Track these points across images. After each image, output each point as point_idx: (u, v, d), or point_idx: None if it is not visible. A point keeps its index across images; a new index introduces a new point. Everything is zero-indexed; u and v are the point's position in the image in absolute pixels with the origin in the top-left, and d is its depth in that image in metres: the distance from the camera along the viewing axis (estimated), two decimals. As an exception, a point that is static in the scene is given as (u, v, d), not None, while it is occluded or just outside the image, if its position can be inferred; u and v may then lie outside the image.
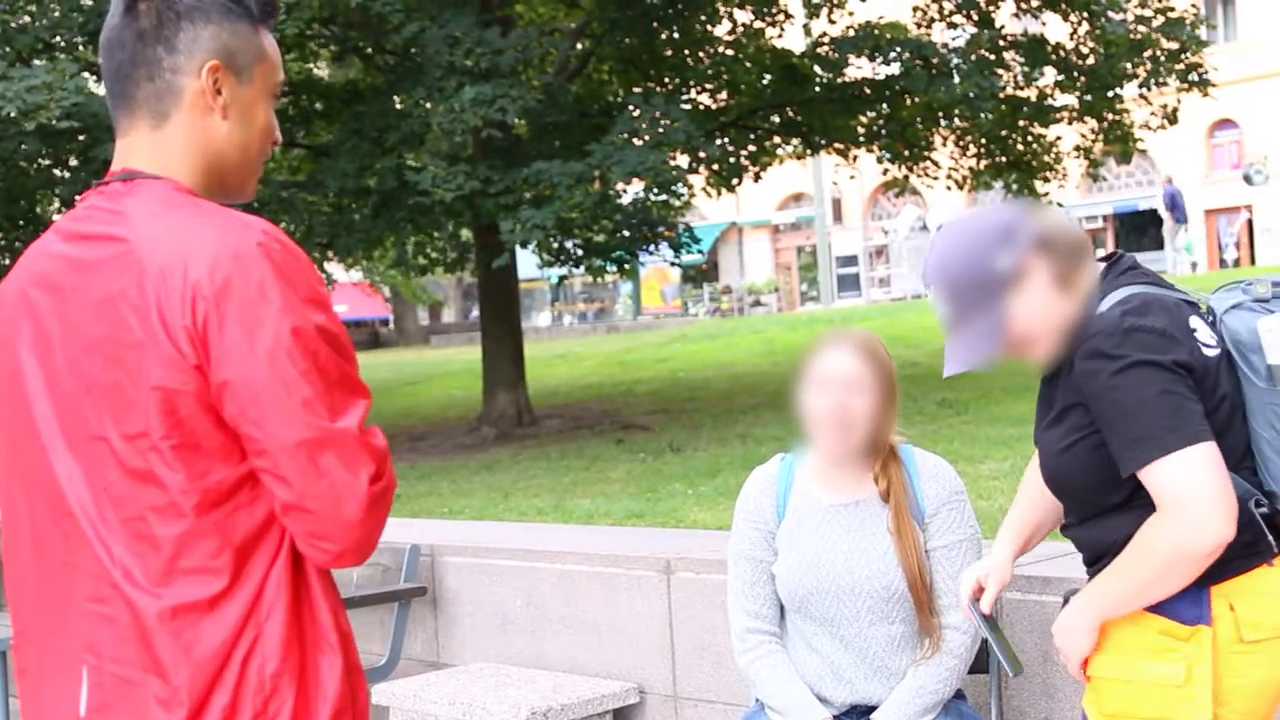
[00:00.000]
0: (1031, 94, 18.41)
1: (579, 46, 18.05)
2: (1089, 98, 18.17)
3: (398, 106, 16.47)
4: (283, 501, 2.13)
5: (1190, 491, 2.73)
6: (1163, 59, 17.64)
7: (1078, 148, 19.73)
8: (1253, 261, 44.06)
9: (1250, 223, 46.16)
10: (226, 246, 2.12)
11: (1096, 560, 3.02)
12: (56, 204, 18.10)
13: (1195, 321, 2.91)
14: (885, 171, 20.90)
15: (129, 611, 2.16)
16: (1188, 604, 2.85)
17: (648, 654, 5.35)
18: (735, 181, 19.72)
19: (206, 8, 2.29)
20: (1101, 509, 2.96)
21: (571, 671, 5.58)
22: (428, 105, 15.14)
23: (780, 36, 19.37)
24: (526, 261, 17.00)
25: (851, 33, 17.60)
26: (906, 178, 20.45)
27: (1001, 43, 17.73)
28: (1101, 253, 3.08)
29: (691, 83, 18.76)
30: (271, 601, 2.16)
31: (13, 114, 13.23)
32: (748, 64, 18.98)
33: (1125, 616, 2.94)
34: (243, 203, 2.39)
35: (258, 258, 2.12)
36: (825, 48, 17.84)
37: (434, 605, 6.16)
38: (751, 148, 19.68)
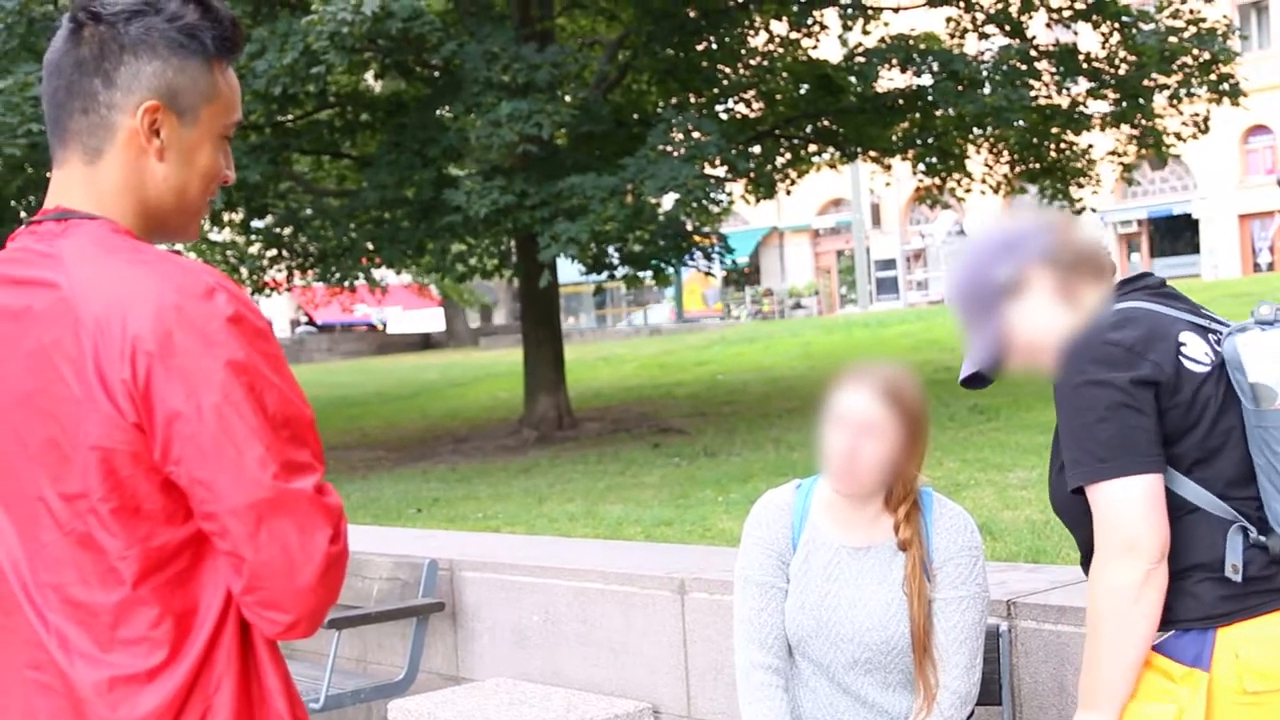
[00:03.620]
0: (1064, 102, 18.41)
1: (619, 58, 18.16)
2: (1122, 105, 18.17)
3: (439, 119, 16.65)
4: (232, 567, 1.98)
5: (1117, 527, 2.69)
6: (1194, 69, 17.62)
7: (1111, 153, 19.74)
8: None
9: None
10: (169, 297, 1.96)
11: None
12: None
13: (1188, 337, 2.78)
14: (920, 183, 20.95)
15: (63, 682, 2.02)
16: (1188, 642, 2.74)
17: (662, 674, 5.39)
18: (773, 189, 19.83)
19: (154, 41, 2.09)
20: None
21: (587, 689, 5.63)
22: (468, 118, 15.27)
23: (816, 47, 19.46)
24: (570, 267, 17.14)
25: (884, 44, 17.65)
26: (940, 188, 20.49)
27: (1034, 53, 17.78)
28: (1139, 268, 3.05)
29: (728, 93, 18.85)
30: (220, 674, 2.03)
31: None
32: (784, 75, 19.07)
33: None
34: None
35: (203, 309, 1.96)
36: (859, 59, 17.90)
37: (453, 620, 6.24)
38: (786, 156, 19.82)
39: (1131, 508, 2.68)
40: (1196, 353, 2.77)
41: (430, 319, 58.12)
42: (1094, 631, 2.76)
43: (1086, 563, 2.99)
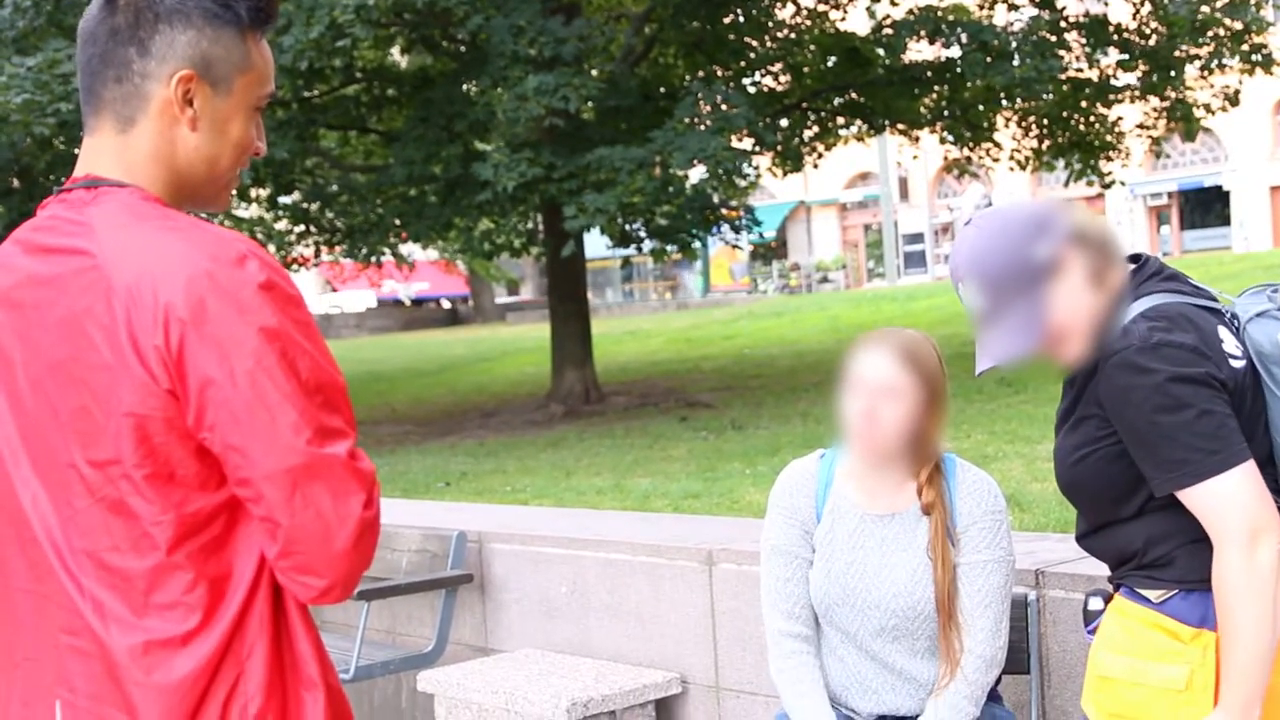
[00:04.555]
0: (1093, 74, 18.33)
1: (645, 31, 18.12)
2: (1152, 78, 18.08)
3: (466, 94, 16.67)
4: (267, 532, 1.99)
5: (1241, 514, 2.69)
6: (1225, 39, 17.53)
7: (1141, 126, 19.64)
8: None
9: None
10: (201, 264, 1.96)
11: (1121, 565, 2.96)
12: None
13: (1222, 332, 2.82)
14: (947, 154, 20.89)
15: (99, 647, 2.04)
16: (1193, 605, 2.80)
17: (690, 644, 5.41)
18: (800, 163, 19.79)
19: (189, 11, 2.10)
20: (1113, 519, 2.92)
21: (616, 660, 5.65)
22: (495, 93, 15.29)
23: (843, 19, 19.38)
24: (597, 242, 17.14)
25: (912, 15, 17.58)
26: (968, 159, 20.41)
27: (1063, 24, 17.68)
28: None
29: (755, 66, 18.81)
30: (253, 639, 2.04)
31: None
32: (811, 47, 19.01)
33: (1135, 615, 2.89)
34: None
35: (234, 275, 1.97)
36: (886, 30, 17.85)
37: (482, 591, 6.26)
38: (814, 129, 19.78)
39: (1249, 494, 2.71)
40: (1231, 347, 2.81)
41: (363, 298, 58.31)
42: (1235, 623, 2.72)
43: (1087, 536, 3.06)
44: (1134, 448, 2.79)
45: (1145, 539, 2.87)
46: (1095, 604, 3.11)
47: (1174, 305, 2.82)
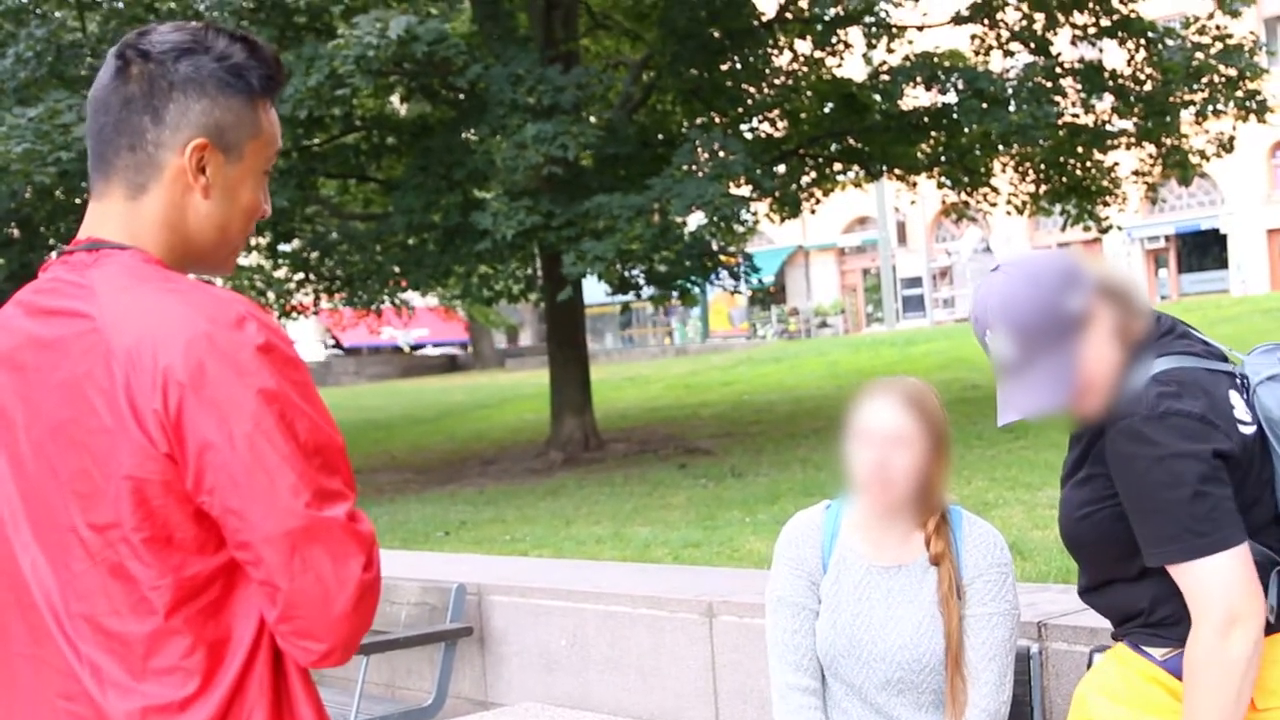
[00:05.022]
0: (1089, 120, 18.39)
1: (643, 78, 18.20)
2: (1147, 124, 18.13)
3: (465, 142, 16.73)
4: (266, 596, 1.98)
5: (1223, 599, 2.68)
6: (1220, 86, 17.59)
7: (1136, 172, 19.70)
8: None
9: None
10: (200, 326, 1.97)
11: (1125, 621, 2.96)
12: None
13: (1233, 396, 2.80)
14: (944, 199, 20.94)
15: (96, 712, 2.02)
16: None
17: (691, 697, 5.39)
18: (798, 208, 19.85)
19: (203, 80, 2.11)
20: (1115, 577, 2.93)
21: (616, 713, 5.62)
22: (494, 141, 15.34)
23: (840, 66, 19.47)
24: (596, 288, 17.16)
25: (909, 62, 17.66)
26: (966, 204, 20.46)
27: (1059, 70, 17.75)
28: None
29: (753, 112, 18.88)
30: (253, 703, 2.02)
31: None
32: (808, 93, 19.10)
33: (1135, 667, 2.90)
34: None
35: (234, 338, 1.97)
36: (883, 77, 17.93)
37: (481, 644, 6.25)
38: (811, 175, 19.84)
39: (1234, 581, 2.69)
40: (1241, 413, 2.79)
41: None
42: (1198, 703, 2.73)
43: (1089, 592, 3.07)
44: (1131, 515, 2.80)
45: (1151, 598, 2.86)
46: (1100, 661, 3.11)
47: (1188, 370, 2.80)
